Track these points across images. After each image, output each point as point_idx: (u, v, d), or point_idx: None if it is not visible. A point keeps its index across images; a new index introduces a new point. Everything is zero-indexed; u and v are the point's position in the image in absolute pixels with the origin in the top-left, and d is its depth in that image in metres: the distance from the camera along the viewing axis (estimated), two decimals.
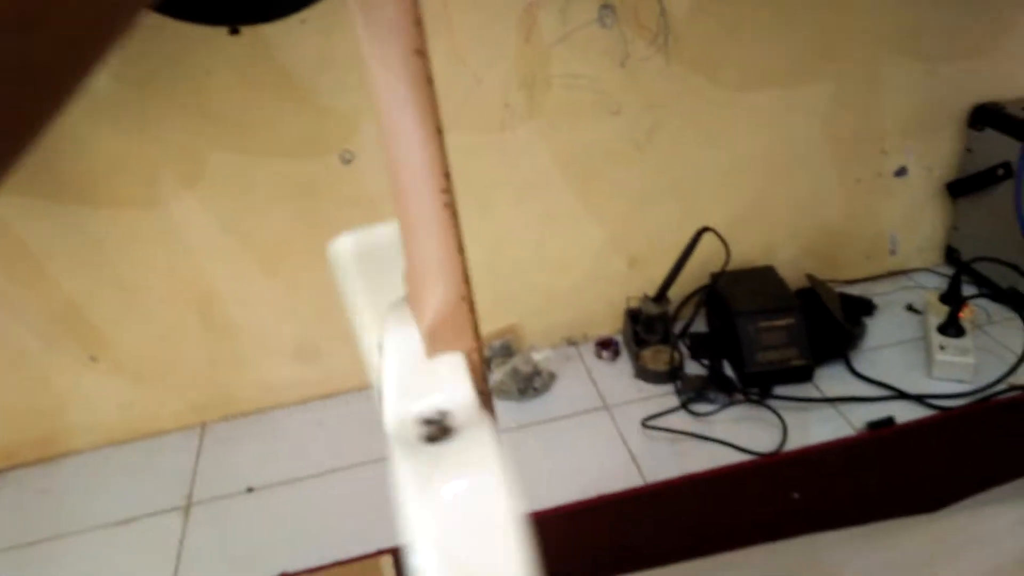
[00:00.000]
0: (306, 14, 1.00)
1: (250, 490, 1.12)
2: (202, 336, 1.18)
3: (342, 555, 1.00)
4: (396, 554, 0.99)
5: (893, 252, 1.43)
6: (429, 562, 0.33)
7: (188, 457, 1.18)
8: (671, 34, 1.13)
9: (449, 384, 0.37)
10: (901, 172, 1.37)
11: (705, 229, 1.19)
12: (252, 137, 1.07)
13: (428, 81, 0.34)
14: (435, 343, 0.37)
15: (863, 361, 1.25)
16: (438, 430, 0.35)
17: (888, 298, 1.38)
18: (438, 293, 0.37)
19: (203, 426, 1.24)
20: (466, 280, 0.37)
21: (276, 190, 1.11)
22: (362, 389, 1.28)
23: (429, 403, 0.35)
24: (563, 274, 1.31)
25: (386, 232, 0.47)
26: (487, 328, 1.31)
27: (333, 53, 1.04)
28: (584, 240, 1.28)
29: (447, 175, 0.36)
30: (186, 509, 1.09)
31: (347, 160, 1.11)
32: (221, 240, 1.12)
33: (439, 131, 0.35)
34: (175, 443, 1.21)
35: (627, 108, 1.18)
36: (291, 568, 0.99)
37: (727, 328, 1.24)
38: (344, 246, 0.49)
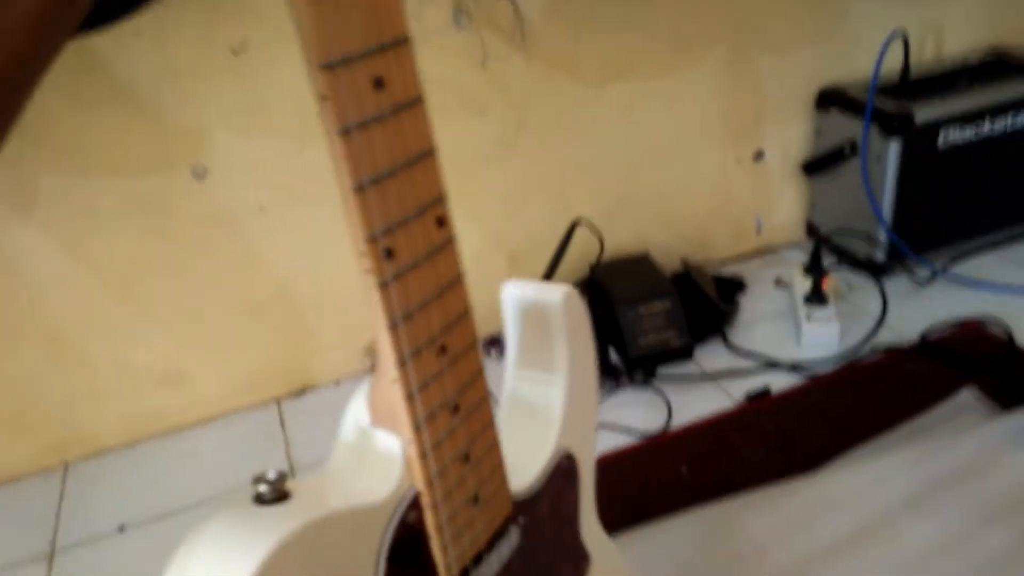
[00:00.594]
0: (140, 24, 0.95)
1: (122, 528, 1.05)
2: (52, 372, 1.10)
3: None
4: None
5: (759, 231, 1.50)
6: None
7: (50, 501, 1.09)
8: (527, 33, 1.15)
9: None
10: (759, 156, 1.44)
11: (577, 222, 1.22)
12: (89, 157, 1.01)
13: (341, 131, 0.32)
14: (376, 415, 0.39)
15: (739, 336, 1.30)
16: (271, 491, 0.34)
17: (758, 275, 1.45)
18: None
19: (65, 466, 1.16)
20: (400, 362, 0.36)
21: (123, 211, 1.05)
22: (236, 412, 1.23)
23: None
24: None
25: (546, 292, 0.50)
26: (366, 340, 1.29)
27: (175, 64, 0.99)
28: (462, 240, 1.27)
29: (369, 238, 0.33)
30: (50, 556, 1.01)
31: (200, 175, 1.07)
32: (65, 268, 1.05)
33: (359, 188, 0.33)
34: (34, 487, 1.12)
35: (492, 108, 1.19)
36: None
37: (609, 316, 1.26)
38: (509, 292, 0.51)
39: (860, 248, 1.39)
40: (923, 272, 1.38)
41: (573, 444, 0.51)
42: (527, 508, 0.47)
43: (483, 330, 1.36)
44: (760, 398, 1.18)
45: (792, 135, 1.44)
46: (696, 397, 1.18)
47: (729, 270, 1.46)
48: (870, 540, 0.89)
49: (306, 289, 1.20)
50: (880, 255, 1.35)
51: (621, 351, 1.25)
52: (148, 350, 1.14)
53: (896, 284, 1.38)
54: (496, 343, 1.33)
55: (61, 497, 1.10)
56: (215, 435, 1.21)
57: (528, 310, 0.50)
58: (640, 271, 1.32)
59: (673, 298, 1.24)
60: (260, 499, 0.34)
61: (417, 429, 0.37)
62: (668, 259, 1.37)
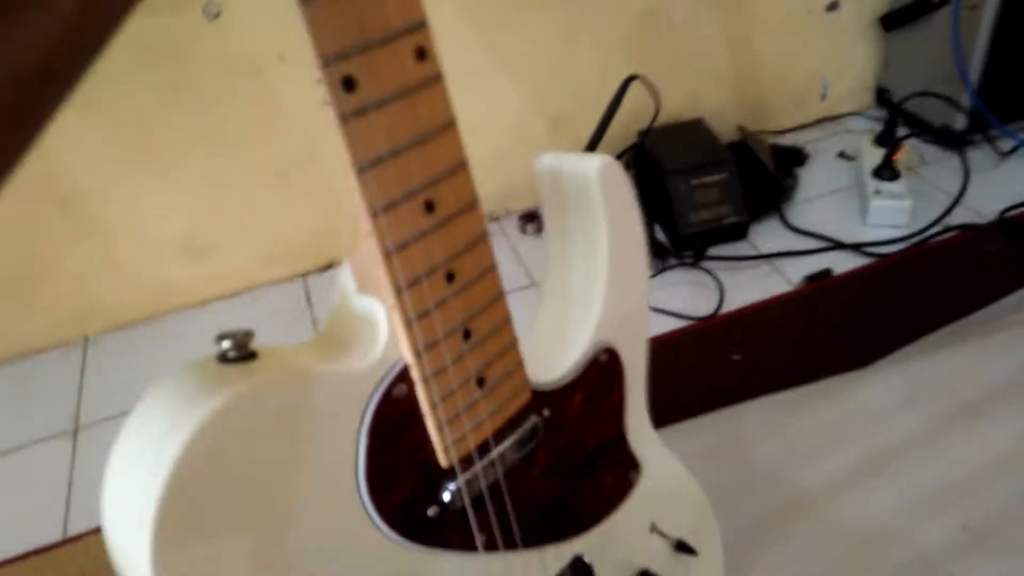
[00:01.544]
0: None
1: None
2: (69, 239, 1.04)
3: None
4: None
5: (824, 96, 1.37)
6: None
7: (71, 376, 1.07)
8: None
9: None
10: (833, 6, 1.29)
11: (632, 77, 1.10)
12: None
13: None
14: (360, 279, 0.36)
15: (797, 214, 1.21)
16: (235, 349, 0.32)
17: (819, 146, 1.34)
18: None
19: (85, 339, 1.12)
20: (372, 213, 0.32)
21: (131, 58, 0.95)
22: (262, 285, 1.17)
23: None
24: (476, 142, 1.20)
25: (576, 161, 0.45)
26: None
27: None
28: (498, 101, 1.17)
29: (323, 61, 0.30)
30: (74, 433, 0.99)
31: (213, 14, 0.96)
32: (75, 125, 0.97)
33: None
34: (55, 362, 1.09)
35: None
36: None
37: (658, 189, 1.17)
38: (543, 165, 0.46)
39: (937, 115, 1.27)
40: (1007, 144, 1.26)
41: (616, 338, 0.47)
42: (553, 401, 0.44)
43: (521, 204, 1.29)
44: (820, 280, 1.10)
45: None
46: (750, 279, 1.10)
47: (788, 140, 1.34)
48: (957, 432, 0.85)
49: (334, 150, 1.11)
50: (960, 122, 1.23)
51: (670, 227, 1.17)
52: (169, 217, 1.07)
53: (975, 157, 1.26)
54: (533, 218, 1.25)
55: (82, 372, 1.07)
56: (240, 310, 1.15)
57: (564, 184, 0.45)
58: (693, 139, 1.21)
59: (730, 169, 1.15)
60: (224, 357, 0.32)
61: (399, 293, 0.33)
62: (723, 126, 1.26)
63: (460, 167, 0.34)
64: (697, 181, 1.14)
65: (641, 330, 0.49)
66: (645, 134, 1.17)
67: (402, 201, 0.33)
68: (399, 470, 0.36)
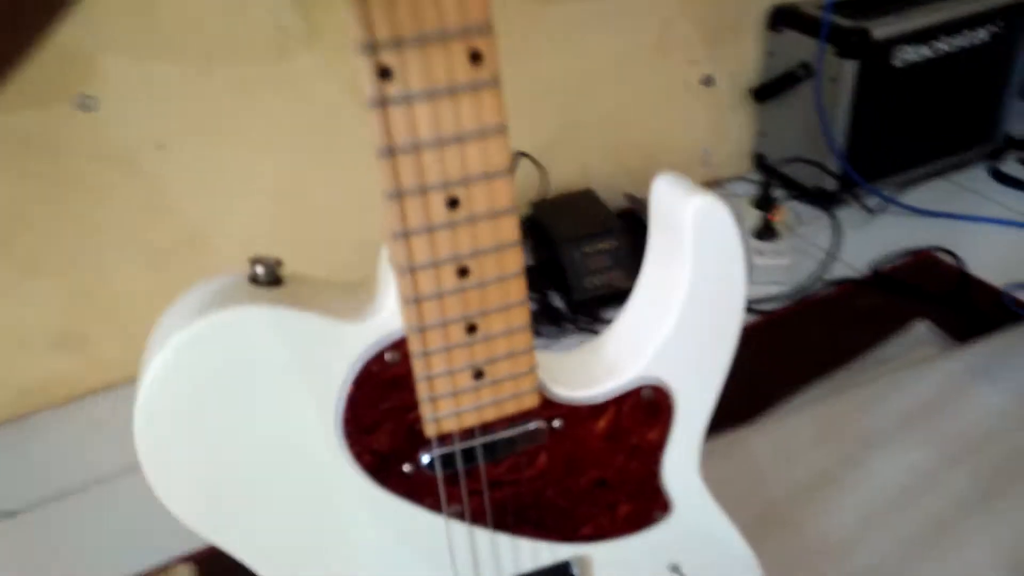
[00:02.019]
0: None
1: (11, 514, 1.01)
2: None
3: (136, 569, 0.92)
4: (198, 560, 0.93)
5: (706, 163, 1.46)
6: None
7: None
8: None
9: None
10: (708, 81, 1.41)
11: (521, 154, 1.13)
12: None
13: None
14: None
15: None
16: (265, 274, 0.40)
17: None
18: None
19: None
20: (392, 194, 0.37)
21: None
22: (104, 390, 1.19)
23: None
24: (379, 218, 1.20)
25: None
26: None
27: None
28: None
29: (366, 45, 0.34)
30: None
31: (87, 107, 0.94)
32: None
33: None
34: None
35: None
36: None
37: (552, 257, 1.20)
38: (658, 183, 0.47)
39: (810, 178, 1.47)
40: (873, 202, 1.39)
41: (672, 379, 0.49)
42: (571, 415, 0.47)
43: None
44: None
45: (742, 58, 1.48)
46: None
47: None
48: (834, 484, 0.94)
49: (218, 237, 1.09)
50: (831, 184, 1.36)
51: (565, 293, 1.20)
52: (39, 309, 1.10)
53: (847, 215, 1.45)
54: None
55: None
56: (119, 403, 1.10)
57: (664, 210, 0.46)
58: (584, 208, 1.29)
59: (619, 236, 1.21)
60: (254, 279, 0.40)
61: (400, 273, 0.38)
62: (612, 195, 1.36)
63: (497, 174, 0.38)
64: (589, 248, 1.18)
65: (711, 380, 0.50)
66: (536, 205, 1.19)
67: (417, 192, 0.37)
68: (380, 424, 0.43)
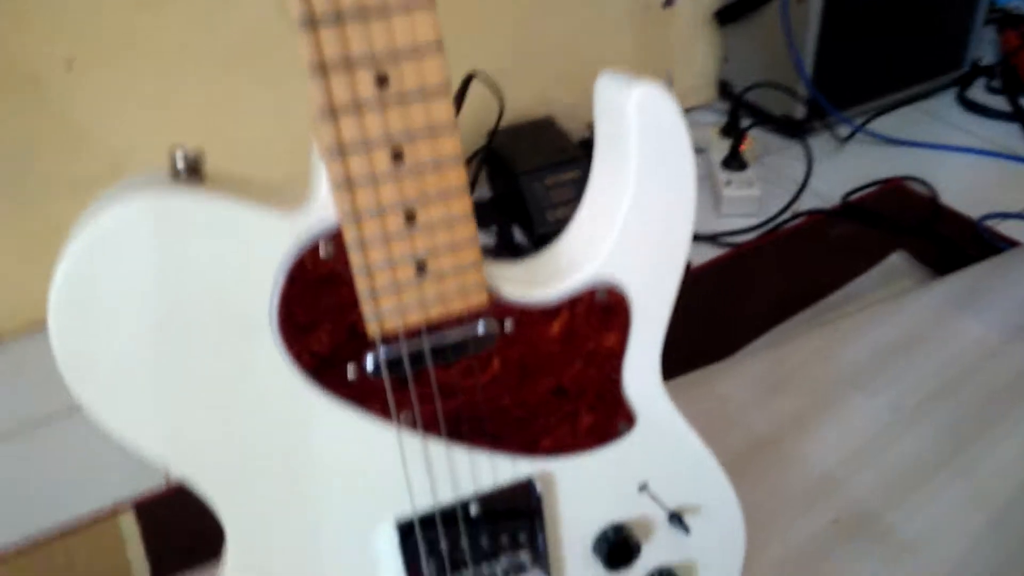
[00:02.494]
0: None
1: None
2: None
3: (67, 520, 0.89)
4: (139, 508, 0.90)
5: (669, 88, 1.41)
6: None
7: None
8: None
9: None
10: (669, 2, 1.36)
11: (472, 75, 1.09)
12: None
13: None
14: None
15: None
16: (186, 165, 0.37)
17: None
18: None
19: None
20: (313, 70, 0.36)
21: None
22: (31, 332, 1.13)
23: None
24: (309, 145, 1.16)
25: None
26: None
27: None
28: None
29: None
30: None
31: None
32: None
33: None
34: None
35: None
36: None
37: (512, 190, 1.16)
38: (601, 82, 0.46)
39: (777, 105, 1.44)
40: (843, 130, 1.36)
41: (627, 281, 0.47)
42: (522, 317, 0.46)
43: None
44: None
45: None
46: None
47: None
48: (811, 421, 0.93)
49: (142, 165, 1.03)
50: (800, 111, 1.34)
51: (527, 227, 1.16)
52: None
53: (816, 144, 1.43)
54: None
55: None
56: (40, 347, 1.05)
57: (607, 106, 0.45)
58: (544, 137, 1.25)
59: (583, 165, 1.16)
60: (174, 172, 0.37)
61: (328, 156, 0.37)
62: (573, 124, 1.30)
63: (428, 49, 0.36)
64: (551, 180, 1.15)
65: (667, 282, 0.49)
66: (493, 135, 1.15)
67: (341, 66, 0.35)
68: (319, 322, 0.41)
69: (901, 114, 1.46)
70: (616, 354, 0.49)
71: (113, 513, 0.89)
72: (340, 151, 0.36)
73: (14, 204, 1.06)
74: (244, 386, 0.42)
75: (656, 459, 0.54)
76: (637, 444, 0.53)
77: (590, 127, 1.35)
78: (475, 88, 1.13)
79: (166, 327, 0.39)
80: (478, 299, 0.43)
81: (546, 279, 0.46)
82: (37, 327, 1.13)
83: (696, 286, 1.16)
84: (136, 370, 0.40)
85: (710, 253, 1.20)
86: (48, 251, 1.05)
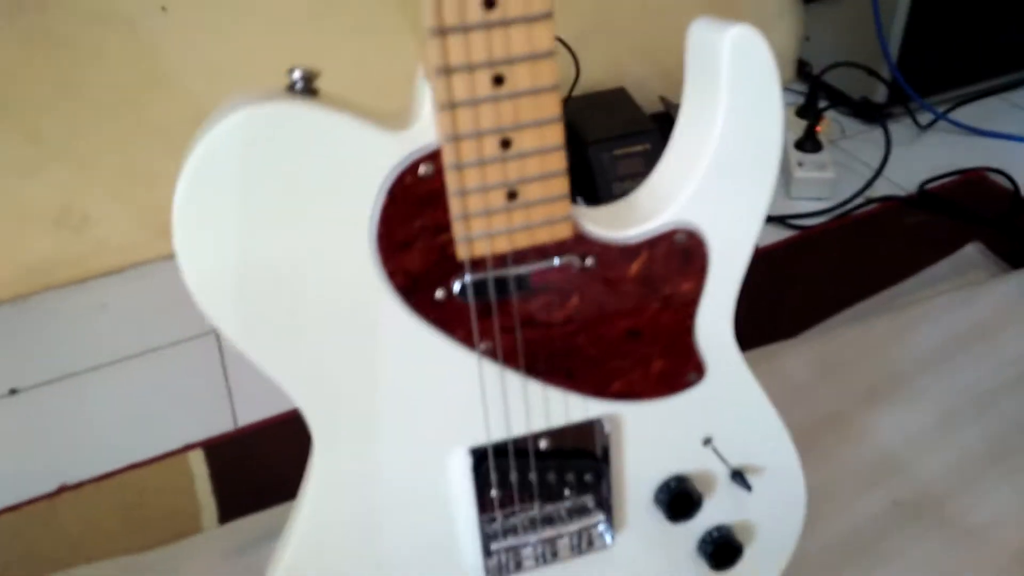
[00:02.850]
0: None
1: (13, 392, 1.03)
2: None
3: (139, 456, 0.94)
4: (207, 448, 0.94)
5: None
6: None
7: None
8: None
9: None
10: None
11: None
12: None
13: None
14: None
15: None
16: (303, 81, 0.40)
17: None
18: None
19: None
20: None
21: None
22: (160, 259, 1.18)
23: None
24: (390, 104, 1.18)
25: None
26: None
27: None
28: (409, 60, 1.15)
29: None
30: None
31: None
32: None
33: None
34: None
35: None
36: (74, 478, 0.90)
37: (579, 159, 1.18)
38: (695, 26, 0.46)
39: (857, 88, 1.42)
40: (924, 117, 1.34)
41: (706, 226, 0.48)
42: (603, 255, 0.47)
43: None
44: None
45: None
46: None
47: None
48: (880, 401, 0.92)
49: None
50: (880, 95, 1.32)
51: (592, 199, 1.18)
52: (39, 185, 1.08)
53: (894, 130, 1.39)
54: None
55: None
56: (130, 287, 1.17)
57: (701, 50, 0.46)
58: (615, 108, 1.26)
59: (653, 138, 1.17)
60: (291, 87, 0.40)
61: (436, 75, 0.39)
62: (646, 97, 1.35)
63: None
64: (620, 151, 1.16)
65: (746, 232, 0.50)
66: (565, 102, 1.16)
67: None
68: (414, 241, 0.43)
69: (985, 104, 1.44)
70: (692, 300, 0.50)
71: (183, 451, 0.93)
72: (445, 71, 0.38)
73: (107, 143, 1.10)
74: (344, 301, 0.44)
75: (722, 414, 0.55)
76: (705, 397, 0.54)
77: (663, 100, 1.36)
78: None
79: (277, 229, 0.41)
80: (563, 232, 0.44)
81: (628, 220, 0.48)
82: (124, 268, 1.19)
83: (762, 266, 1.15)
84: (244, 270, 0.42)
85: (778, 235, 1.20)
86: (129, 193, 1.09)
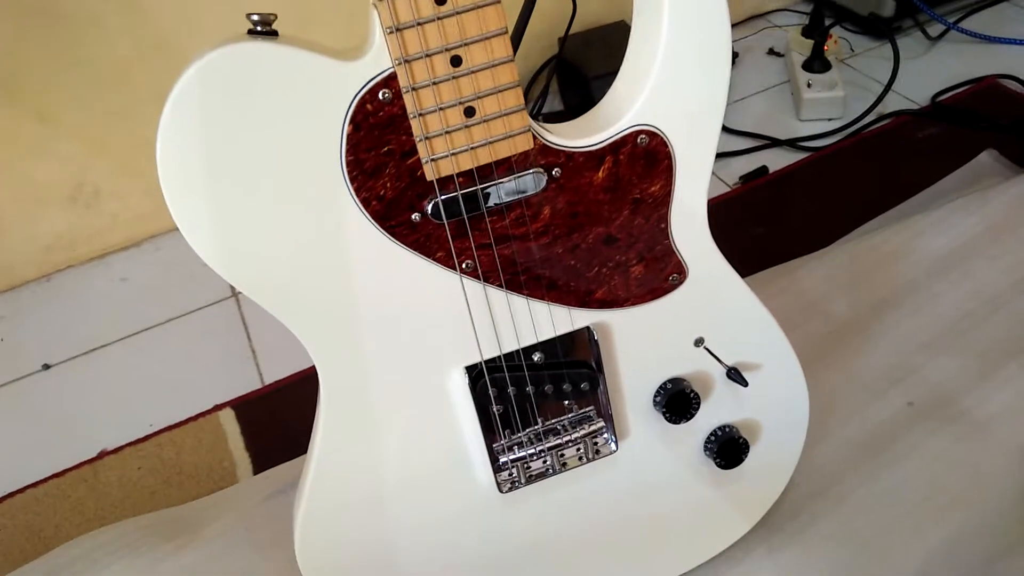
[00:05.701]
0: None
1: (47, 367, 1.08)
2: None
3: (172, 419, 0.99)
4: (237, 406, 0.99)
5: None
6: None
7: None
8: None
9: None
10: None
11: None
12: None
13: None
14: None
15: (730, 114, 1.30)
16: (261, 23, 0.43)
17: (748, 44, 1.44)
18: None
19: None
20: None
21: None
22: (167, 232, 1.23)
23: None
24: None
25: None
26: None
27: None
28: None
29: None
30: None
31: None
32: None
33: None
34: None
35: None
36: (113, 443, 0.94)
37: (584, 98, 1.19)
38: None
39: (863, 4, 1.39)
40: (935, 28, 1.33)
41: (667, 127, 0.50)
42: (570, 163, 0.49)
43: None
44: (756, 178, 1.13)
45: None
46: None
47: None
48: (895, 308, 0.94)
49: None
50: (888, 9, 1.32)
51: None
52: (51, 163, 1.11)
53: (904, 44, 1.39)
54: None
55: None
56: (148, 259, 1.21)
57: None
58: (617, 42, 1.24)
59: None
60: (251, 31, 0.43)
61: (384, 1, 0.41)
62: None
63: None
64: None
65: (707, 129, 0.51)
66: (564, 41, 1.17)
67: None
68: (383, 166, 0.46)
69: (997, 10, 1.42)
70: (663, 201, 0.52)
71: (213, 411, 0.98)
72: None
73: (112, 116, 1.12)
74: (325, 233, 0.47)
75: (711, 314, 0.58)
76: (690, 298, 0.56)
77: None
78: None
79: (251, 169, 0.44)
80: (523, 145, 0.47)
81: (591, 128, 0.50)
82: (140, 241, 1.23)
83: (777, 190, 1.17)
84: (225, 204, 0.45)
85: (791, 158, 1.21)
86: (143, 166, 1.13)
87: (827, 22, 1.31)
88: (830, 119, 1.26)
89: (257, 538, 0.79)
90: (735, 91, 1.34)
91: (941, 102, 1.26)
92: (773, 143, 1.24)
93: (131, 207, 1.20)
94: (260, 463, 0.91)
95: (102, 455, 0.94)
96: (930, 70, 1.33)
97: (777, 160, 1.21)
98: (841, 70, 1.32)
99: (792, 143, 1.23)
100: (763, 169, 1.19)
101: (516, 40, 1.17)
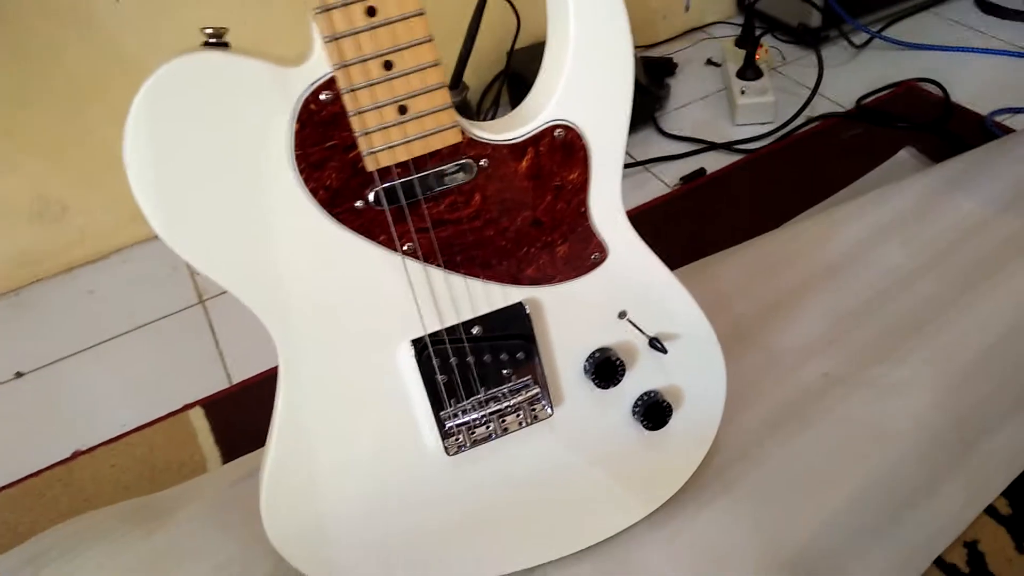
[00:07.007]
0: None
1: (19, 375, 1.12)
2: None
3: (143, 419, 1.03)
4: (206, 405, 1.03)
5: (687, 8, 1.50)
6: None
7: None
8: None
9: None
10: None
11: None
12: None
13: None
14: None
15: (670, 121, 1.34)
16: (215, 35, 0.48)
17: (688, 55, 1.51)
18: None
19: None
20: None
21: None
22: (139, 243, 1.27)
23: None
24: None
25: None
26: None
27: None
28: None
29: None
30: None
31: None
32: None
33: None
34: None
35: None
36: (86, 444, 0.99)
37: None
38: None
39: (793, 15, 1.49)
40: (859, 37, 1.42)
41: (581, 120, 0.56)
42: (495, 155, 0.55)
43: None
44: (695, 180, 1.20)
45: None
46: (630, 186, 1.26)
47: (658, 52, 1.49)
48: (815, 292, 1.02)
49: None
50: (815, 20, 1.38)
51: None
52: (17, 179, 1.15)
53: (832, 52, 1.50)
54: None
55: None
56: (114, 271, 1.25)
57: None
58: None
59: None
60: (205, 43, 0.48)
61: (317, 13, 0.46)
62: None
63: None
64: None
65: (616, 121, 0.58)
66: (511, 55, 1.24)
67: None
68: (328, 159, 0.52)
69: (918, 19, 1.52)
70: (581, 188, 0.59)
71: (183, 410, 1.02)
72: (325, 8, 0.47)
73: (77, 132, 1.16)
74: (278, 221, 0.53)
75: (631, 289, 0.65)
76: (612, 275, 0.63)
77: None
78: (493, 9, 1.21)
79: (213, 166, 0.50)
80: (453, 138, 0.53)
81: (513, 125, 0.57)
82: (107, 254, 1.27)
83: (712, 191, 1.24)
84: (192, 200, 0.51)
85: (727, 160, 1.28)
86: (106, 178, 1.17)
87: (758, 32, 1.40)
88: (763, 123, 1.34)
89: (226, 518, 0.84)
90: (676, 99, 1.42)
91: (865, 104, 1.34)
92: (711, 146, 1.31)
93: (98, 221, 1.23)
94: (229, 456, 0.96)
95: (76, 455, 0.98)
96: (855, 75, 1.41)
97: (715, 162, 1.28)
98: (773, 77, 1.41)
99: (728, 146, 1.31)
100: (701, 171, 1.27)
101: (464, 56, 1.24)
